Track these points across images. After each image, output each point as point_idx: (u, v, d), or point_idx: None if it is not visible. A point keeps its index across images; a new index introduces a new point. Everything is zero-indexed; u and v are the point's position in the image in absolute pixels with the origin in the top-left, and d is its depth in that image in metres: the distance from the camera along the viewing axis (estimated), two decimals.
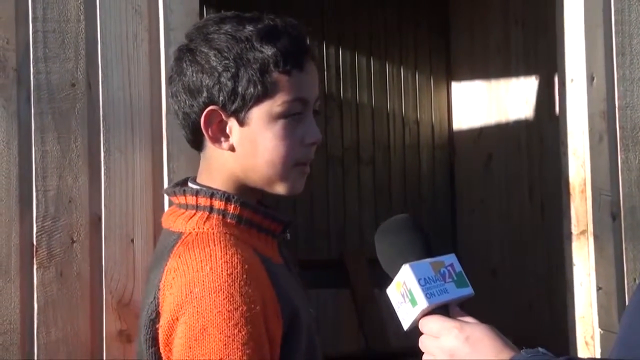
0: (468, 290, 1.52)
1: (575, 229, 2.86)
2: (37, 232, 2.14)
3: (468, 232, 5.43)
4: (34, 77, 2.16)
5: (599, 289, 2.81)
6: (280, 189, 1.81)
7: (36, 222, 2.14)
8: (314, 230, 5.30)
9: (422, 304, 1.47)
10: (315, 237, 5.31)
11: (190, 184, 1.85)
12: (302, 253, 5.02)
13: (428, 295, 1.47)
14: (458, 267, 1.53)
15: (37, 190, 2.14)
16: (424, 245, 1.54)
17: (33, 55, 2.16)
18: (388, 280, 1.53)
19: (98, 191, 2.20)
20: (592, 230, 2.82)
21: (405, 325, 1.51)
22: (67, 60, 2.19)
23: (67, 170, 2.17)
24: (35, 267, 2.13)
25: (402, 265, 1.50)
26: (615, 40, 2.87)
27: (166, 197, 2.25)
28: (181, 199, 1.83)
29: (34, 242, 2.13)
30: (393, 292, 1.51)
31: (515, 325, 4.81)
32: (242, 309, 1.63)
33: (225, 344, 1.62)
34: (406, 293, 1.49)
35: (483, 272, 5.20)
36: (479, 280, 5.27)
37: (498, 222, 5.16)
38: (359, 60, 5.54)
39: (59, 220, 2.16)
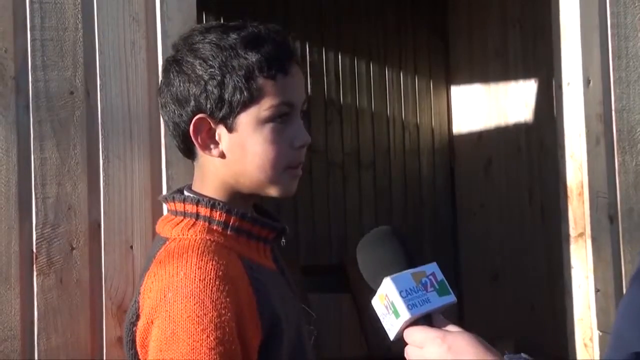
0: (450, 298, 1.54)
1: (573, 232, 2.86)
2: (36, 240, 2.15)
3: (469, 236, 5.43)
4: (32, 85, 2.17)
5: (597, 291, 2.81)
6: (272, 192, 1.83)
7: (36, 230, 2.15)
8: (315, 236, 5.30)
9: (405, 315, 1.50)
10: (317, 243, 5.31)
11: (185, 192, 1.87)
12: (303, 258, 5.03)
13: (410, 306, 1.50)
14: (440, 276, 1.55)
15: (36, 198, 2.16)
16: (406, 256, 1.56)
17: (31, 64, 2.18)
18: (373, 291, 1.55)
19: (97, 198, 2.21)
20: (589, 232, 2.82)
21: (391, 335, 1.54)
22: (65, 68, 2.20)
23: (66, 177, 2.19)
24: (35, 274, 2.14)
25: (383, 278, 1.52)
26: (612, 43, 2.88)
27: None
28: (172, 206, 1.86)
29: (34, 250, 2.14)
30: (377, 304, 1.54)
31: (517, 328, 4.82)
32: (211, 315, 1.65)
33: (193, 349, 1.63)
34: (389, 305, 1.52)
35: (484, 275, 5.21)
36: (480, 283, 5.30)
37: (499, 225, 5.16)
38: (359, 65, 5.55)
39: (58, 228, 2.17)
